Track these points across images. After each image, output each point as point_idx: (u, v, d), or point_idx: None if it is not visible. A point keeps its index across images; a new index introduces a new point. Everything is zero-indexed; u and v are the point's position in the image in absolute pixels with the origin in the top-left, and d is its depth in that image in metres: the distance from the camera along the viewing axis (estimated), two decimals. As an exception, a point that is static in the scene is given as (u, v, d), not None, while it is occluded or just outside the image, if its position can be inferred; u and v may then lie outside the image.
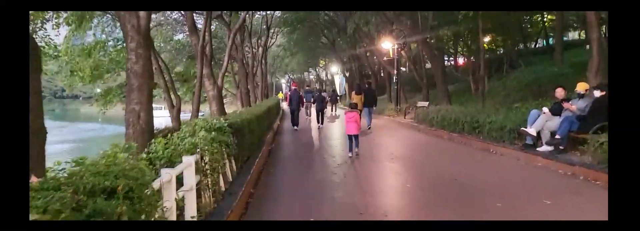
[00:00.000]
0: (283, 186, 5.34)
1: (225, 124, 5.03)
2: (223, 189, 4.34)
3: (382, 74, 28.40)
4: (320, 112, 13.68)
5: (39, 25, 10.13)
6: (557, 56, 15.59)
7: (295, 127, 13.01)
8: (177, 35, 23.44)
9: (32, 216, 1.51)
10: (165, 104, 14.41)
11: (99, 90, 20.35)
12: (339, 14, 22.23)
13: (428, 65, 20.02)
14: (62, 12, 10.53)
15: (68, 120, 48.06)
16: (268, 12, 21.65)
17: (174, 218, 2.80)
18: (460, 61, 26.66)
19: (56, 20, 10.68)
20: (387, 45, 18.03)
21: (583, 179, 5.09)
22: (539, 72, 12.96)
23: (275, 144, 9.54)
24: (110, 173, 2.00)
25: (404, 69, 27.69)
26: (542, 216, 3.67)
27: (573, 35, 30.52)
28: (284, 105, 20.47)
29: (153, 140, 3.74)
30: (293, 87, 14.45)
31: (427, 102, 14.69)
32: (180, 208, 3.11)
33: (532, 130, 6.56)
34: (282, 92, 43.02)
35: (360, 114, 8.21)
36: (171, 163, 3.42)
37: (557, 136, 6.15)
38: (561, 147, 6.15)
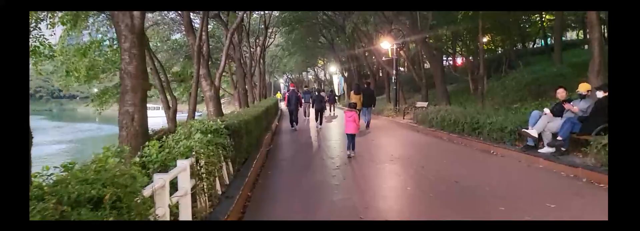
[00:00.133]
0: (281, 188, 5.25)
1: (222, 126, 4.93)
2: (219, 192, 4.24)
3: (381, 74, 28.34)
4: (319, 112, 13.60)
5: (33, 24, 9.99)
6: (556, 56, 15.56)
7: (294, 127, 12.94)
8: (174, 35, 23.29)
9: None
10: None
11: (96, 90, 20.17)
12: (337, 13, 22.12)
13: (427, 65, 19.95)
14: (57, 11, 10.40)
15: (65, 120, 47.91)
16: (266, 11, 21.53)
17: (167, 225, 2.69)
18: (459, 61, 26.58)
19: (51, 20, 10.55)
20: (386, 45, 17.95)
21: (586, 182, 5.01)
22: (538, 72, 12.90)
23: (273, 145, 9.45)
24: (98, 180, 1.90)
25: (402, 69, 27.64)
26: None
27: (571, 35, 30.53)
28: (283, 105, 20.37)
29: (147, 143, 3.64)
30: (291, 88, 14.38)
31: (426, 103, 14.62)
32: (175, 214, 3.01)
33: (533, 131, 6.48)
34: (280, 93, 42.91)
35: (358, 114, 8.28)
36: (165, 167, 3.32)
37: (559, 138, 6.07)
38: (563, 149, 6.07)
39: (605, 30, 13.21)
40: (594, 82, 7.25)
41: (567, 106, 6.34)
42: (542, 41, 24.23)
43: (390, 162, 6.77)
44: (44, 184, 1.83)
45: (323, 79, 48.59)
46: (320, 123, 13.41)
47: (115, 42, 13.75)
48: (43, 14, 10.31)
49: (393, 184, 5.33)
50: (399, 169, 6.18)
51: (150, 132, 5.92)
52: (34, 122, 31.24)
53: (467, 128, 8.94)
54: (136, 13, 4.44)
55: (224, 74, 12.34)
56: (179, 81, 20.77)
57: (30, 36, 9.89)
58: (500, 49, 21.89)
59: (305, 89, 18.09)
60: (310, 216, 3.94)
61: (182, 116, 11.52)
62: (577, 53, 18.32)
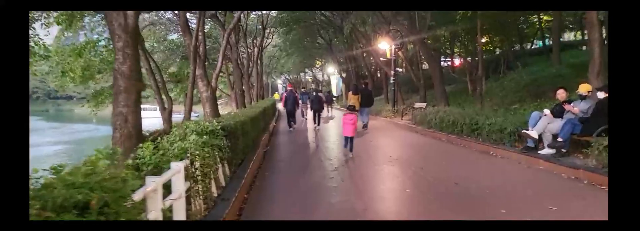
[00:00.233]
0: (279, 190, 5.16)
1: (218, 127, 4.84)
2: (215, 195, 4.15)
3: (379, 75, 28.27)
4: (317, 112, 13.53)
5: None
6: (555, 56, 15.55)
7: (291, 128, 12.87)
8: (171, 35, 23.16)
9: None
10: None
11: (92, 90, 20.04)
12: (335, 14, 22.06)
13: (425, 66, 19.90)
14: (52, 11, 10.30)
15: (62, 121, 47.64)
16: (264, 11, 21.44)
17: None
18: (457, 61, 26.55)
19: (46, 20, 10.44)
20: (384, 45, 17.89)
21: (587, 184, 4.95)
22: (537, 73, 12.90)
23: (270, 146, 9.36)
24: (86, 184, 1.81)
25: (400, 69, 27.57)
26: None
27: (569, 36, 30.55)
28: (280, 106, 20.32)
29: (141, 144, 3.55)
30: (289, 88, 14.31)
31: (425, 104, 14.56)
32: (168, 218, 2.92)
33: (533, 132, 6.41)
34: (278, 93, 42.83)
35: (357, 116, 8.29)
36: (159, 169, 3.23)
37: (559, 139, 6.01)
38: (564, 150, 6.00)
39: (605, 31, 13.19)
40: (594, 83, 7.20)
41: (567, 107, 6.29)
42: (540, 41, 24.24)
43: (389, 163, 6.69)
44: (30, 188, 1.76)
45: (321, 79, 48.50)
46: (318, 124, 13.34)
47: (110, 42, 13.66)
48: (38, 13, 10.20)
49: (391, 185, 5.25)
50: (397, 171, 6.10)
51: (146, 133, 5.84)
52: (31, 123, 30.91)
53: (466, 129, 8.88)
54: (129, 12, 4.35)
55: (221, 74, 12.26)
56: (175, 82, 20.66)
57: (25, 36, 9.77)
58: (498, 49, 21.87)
59: (302, 90, 18.03)
60: (308, 218, 3.87)
61: (179, 117, 11.44)
62: (576, 54, 18.33)
